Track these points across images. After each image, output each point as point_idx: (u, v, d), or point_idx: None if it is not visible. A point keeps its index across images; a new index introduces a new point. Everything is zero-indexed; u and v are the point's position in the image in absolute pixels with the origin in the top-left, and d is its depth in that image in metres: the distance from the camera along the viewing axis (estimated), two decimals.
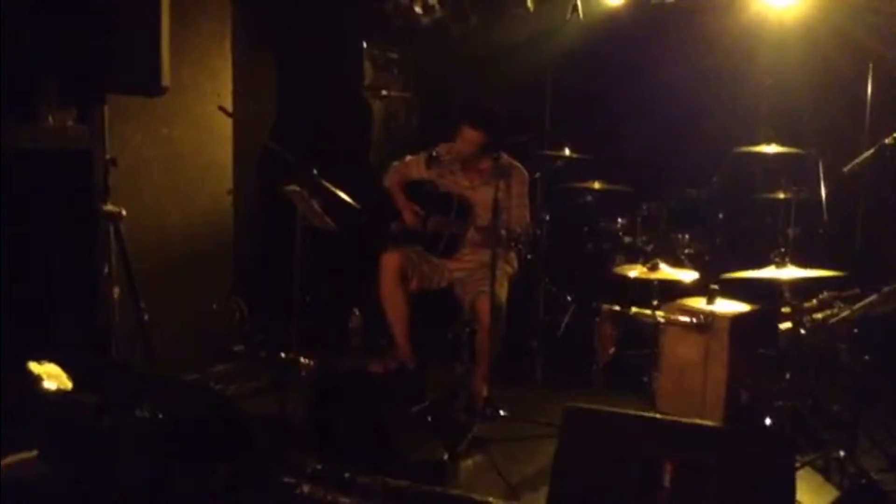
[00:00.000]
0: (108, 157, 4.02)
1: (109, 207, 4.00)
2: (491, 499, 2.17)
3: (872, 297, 3.62)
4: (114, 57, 3.88)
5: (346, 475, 2.15)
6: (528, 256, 4.51)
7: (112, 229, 4.01)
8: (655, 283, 4.35)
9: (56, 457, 2.65)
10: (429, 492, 2.15)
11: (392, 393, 4.18)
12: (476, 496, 2.18)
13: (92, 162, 3.97)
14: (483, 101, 4.66)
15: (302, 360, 4.48)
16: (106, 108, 4.04)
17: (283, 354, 4.52)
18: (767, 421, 3.95)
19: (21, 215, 3.83)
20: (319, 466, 2.18)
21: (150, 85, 3.98)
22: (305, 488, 2.10)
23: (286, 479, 2.13)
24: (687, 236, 5.31)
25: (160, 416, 2.37)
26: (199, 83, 4.73)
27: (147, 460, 2.49)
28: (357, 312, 5.46)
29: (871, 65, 4.93)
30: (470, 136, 4.44)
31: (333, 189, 4.22)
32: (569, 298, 5.56)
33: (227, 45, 4.92)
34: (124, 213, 4.01)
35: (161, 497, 2.49)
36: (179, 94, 4.49)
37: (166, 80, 4.00)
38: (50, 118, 3.89)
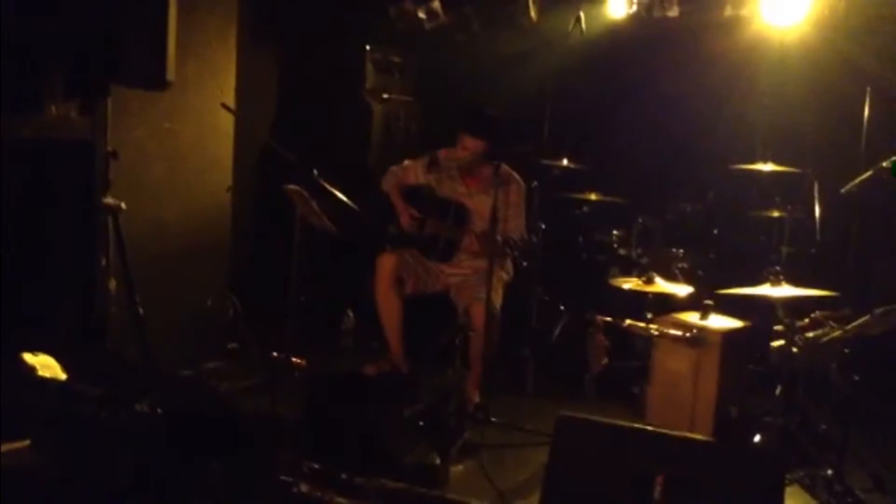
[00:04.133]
0: (109, 149, 4.03)
1: (109, 200, 4.00)
2: (486, 502, 2.18)
3: (864, 319, 3.65)
4: (119, 49, 3.89)
5: (343, 476, 2.16)
6: (524, 264, 4.52)
7: (111, 222, 4.02)
8: (649, 295, 4.38)
9: (51, 447, 2.65)
10: (424, 494, 2.17)
11: (384, 396, 4.19)
12: (470, 500, 2.19)
13: (94, 154, 3.97)
14: (484, 109, 4.69)
15: (295, 359, 4.48)
16: (109, 100, 4.05)
17: (276, 353, 4.52)
18: (756, 437, 3.97)
19: (21, 205, 3.83)
20: (317, 466, 2.19)
21: (154, 79, 3.99)
22: (303, 487, 2.11)
23: (283, 478, 2.14)
24: (681, 251, 5.34)
25: (159, 410, 2.37)
26: (203, 79, 4.73)
27: (143, 454, 2.49)
28: (350, 314, 5.46)
29: (868, 87, 4.97)
30: (470, 144, 4.47)
31: (333, 190, 4.23)
32: (562, 308, 5.58)
33: (232, 42, 4.92)
34: (124, 206, 4.01)
35: (155, 491, 2.50)
36: (182, 90, 4.49)
37: (171, 74, 4.01)
38: (53, 108, 3.89)
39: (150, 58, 3.92)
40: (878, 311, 3.62)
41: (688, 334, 4.06)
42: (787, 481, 3.49)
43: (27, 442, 2.83)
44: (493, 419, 4.19)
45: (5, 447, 2.79)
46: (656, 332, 4.15)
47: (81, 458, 2.62)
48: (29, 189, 3.86)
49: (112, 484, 2.54)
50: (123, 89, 4.13)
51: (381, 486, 2.11)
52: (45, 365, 3.30)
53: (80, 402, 2.63)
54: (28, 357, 3.28)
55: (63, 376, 3.23)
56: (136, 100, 4.32)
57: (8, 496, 2.60)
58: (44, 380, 3.00)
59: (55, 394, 2.84)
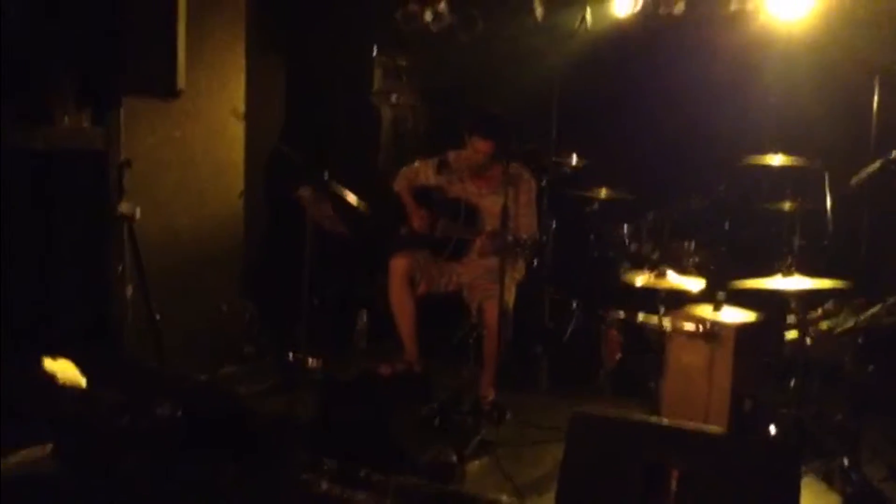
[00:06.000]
0: (122, 158, 4.07)
1: (124, 208, 4.04)
2: (504, 497, 2.21)
3: (877, 308, 3.66)
4: (130, 59, 3.93)
5: (362, 473, 2.19)
6: (534, 262, 4.54)
7: (126, 230, 4.06)
8: (662, 290, 4.39)
9: (72, 452, 2.68)
10: (442, 490, 2.19)
11: (399, 395, 4.20)
12: (488, 495, 2.22)
13: (107, 163, 4.02)
14: (490, 110, 4.71)
15: (310, 361, 4.52)
16: (121, 110, 4.10)
17: (291, 356, 4.56)
18: (772, 429, 3.98)
19: (38, 214, 3.88)
20: (336, 465, 2.22)
21: (165, 88, 4.04)
22: (324, 485, 2.14)
23: (304, 477, 2.17)
24: (692, 245, 5.33)
25: (179, 414, 2.41)
26: (212, 87, 4.77)
27: (162, 457, 2.52)
28: (364, 315, 5.49)
29: (876, 78, 4.97)
30: (480, 146, 4.49)
31: (344, 193, 4.26)
32: (574, 305, 5.58)
33: (240, 49, 4.96)
34: (139, 213, 4.06)
35: (173, 494, 2.53)
36: (192, 97, 4.53)
37: (181, 83, 4.06)
38: (66, 119, 3.94)
39: (160, 67, 3.96)
40: (890, 300, 3.62)
41: (701, 328, 4.07)
42: (802, 472, 3.50)
43: (49, 447, 2.87)
44: (508, 416, 4.21)
45: (27, 453, 2.83)
46: (669, 327, 4.16)
47: (103, 463, 2.65)
48: (45, 199, 3.90)
49: (133, 488, 2.57)
50: (132, 98, 4.17)
51: (400, 483, 2.14)
52: (65, 371, 3.34)
53: (100, 407, 2.66)
54: (48, 363, 3.32)
55: (83, 382, 3.27)
56: (146, 108, 4.36)
57: (29, 501, 2.64)
58: (64, 386, 3.04)
59: (76, 399, 2.88)
